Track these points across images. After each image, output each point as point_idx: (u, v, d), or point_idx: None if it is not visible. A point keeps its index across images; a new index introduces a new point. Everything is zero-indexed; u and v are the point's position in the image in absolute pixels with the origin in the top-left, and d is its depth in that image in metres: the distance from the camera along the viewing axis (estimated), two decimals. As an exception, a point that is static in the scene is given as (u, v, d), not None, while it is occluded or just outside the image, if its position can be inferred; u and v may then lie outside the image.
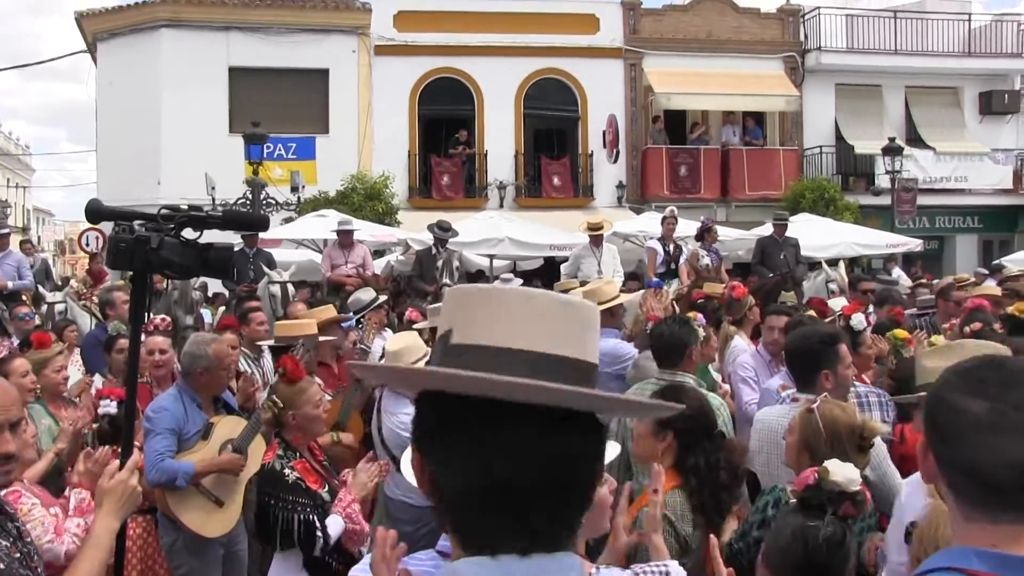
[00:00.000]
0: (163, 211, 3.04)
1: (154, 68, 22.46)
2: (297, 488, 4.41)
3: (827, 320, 7.49)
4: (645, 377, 5.49)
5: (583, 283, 10.53)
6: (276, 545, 4.40)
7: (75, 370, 8.11)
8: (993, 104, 26.50)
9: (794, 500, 2.89)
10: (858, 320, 5.94)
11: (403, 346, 5.50)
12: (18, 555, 2.65)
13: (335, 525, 4.40)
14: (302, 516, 4.34)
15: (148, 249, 2.91)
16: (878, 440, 3.89)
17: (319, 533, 4.33)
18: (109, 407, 5.10)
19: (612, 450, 2.18)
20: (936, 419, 1.58)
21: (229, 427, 5.53)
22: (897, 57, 25.60)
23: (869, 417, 4.11)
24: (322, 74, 23.29)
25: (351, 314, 8.26)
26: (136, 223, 2.99)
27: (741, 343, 7.42)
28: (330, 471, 4.85)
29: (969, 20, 26.80)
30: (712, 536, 2.67)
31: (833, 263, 14.72)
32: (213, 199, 18.28)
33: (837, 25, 25.67)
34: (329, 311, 7.60)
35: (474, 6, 24.14)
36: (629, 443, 5.17)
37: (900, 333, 5.81)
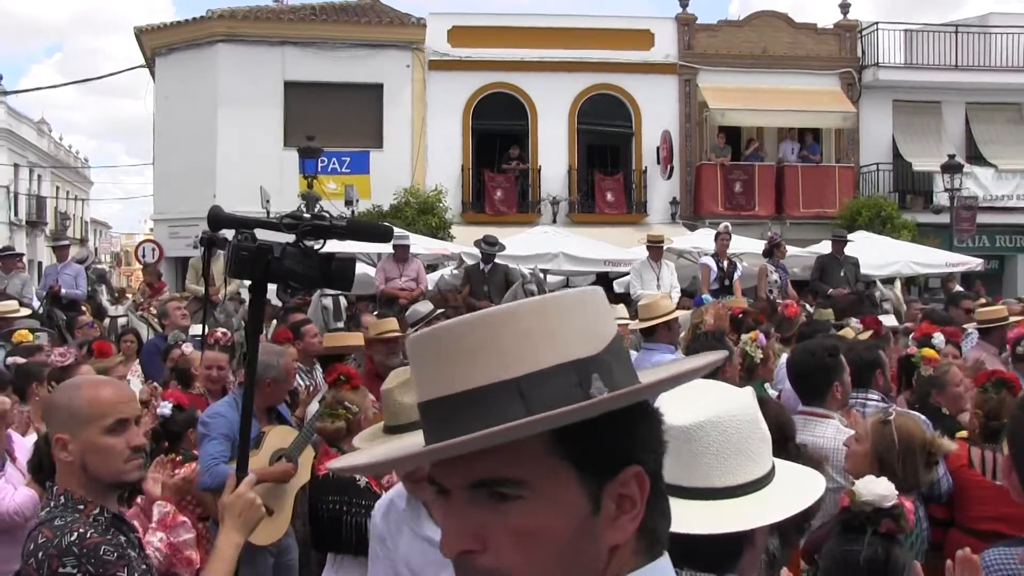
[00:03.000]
0: (286, 220, 2.98)
1: (211, 83, 22.76)
2: (369, 493, 4.38)
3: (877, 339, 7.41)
4: None
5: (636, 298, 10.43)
6: (353, 551, 4.34)
7: (135, 379, 8.20)
8: (1057, 120, 25.90)
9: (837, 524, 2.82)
10: (939, 341, 5.87)
11: None
12: (144, 567, 2.77)
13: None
14: None
15: (270, 258, 2.85)
16: None
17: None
18: (164, 408, 5.13)
19: (817, 485, 1.96)
20: (1013, 439, 1.53)
21: (280, 437, 5.54)
22: (957, 72, 25.14)
23: None
24: (376, 89, 23.43)
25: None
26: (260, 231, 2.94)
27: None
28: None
29: (1034, 34, 26.17)
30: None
31: (888, 282, 14.48)
32: (268, 213, 18.40)
33: (895, 40, 25.30)
34: (390, 324, 7.52)
35: (528, 21, 24.29)
36: None
37: (927, 352, 5.72)
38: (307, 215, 3.15)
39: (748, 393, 1.98)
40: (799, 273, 16.15)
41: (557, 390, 1.12)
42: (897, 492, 2.61)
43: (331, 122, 22.13)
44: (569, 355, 1.14)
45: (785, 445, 3.66)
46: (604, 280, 18.35)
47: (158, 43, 23.98)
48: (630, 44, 24.17)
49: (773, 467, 1.90)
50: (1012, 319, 8.76)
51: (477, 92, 23.87)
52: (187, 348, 7.37)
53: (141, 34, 24.33)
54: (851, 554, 2.62)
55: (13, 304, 10.95)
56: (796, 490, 1.90)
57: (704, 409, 1.84)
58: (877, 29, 25.26)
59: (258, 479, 5.23)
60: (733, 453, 1.83)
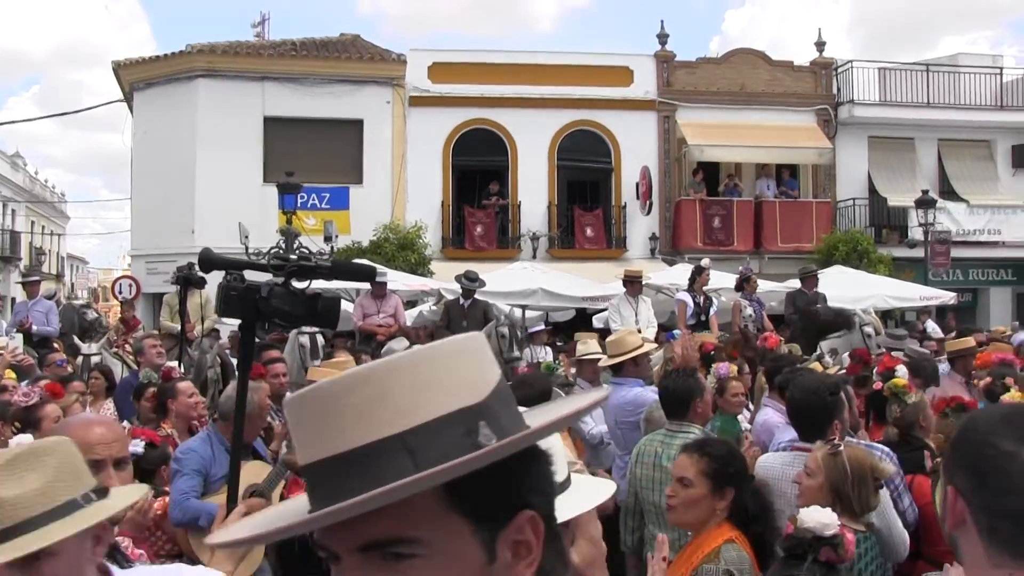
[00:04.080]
0: (273, 261, 3.06)
1: (189, 117, 22.73)
2: None
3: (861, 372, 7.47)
4: (657, 427, 5.56)
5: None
6: None
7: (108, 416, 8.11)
8: (1026, 157, 26.37)
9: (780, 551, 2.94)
10: (902, 372, 5.92)
11: None
12: None
13: None
14: None
15: (258, 298, 2.91)
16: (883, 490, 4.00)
17: None
18: (136, 447, 5.14)
19: (607, 488, 2.09)
20: (979, 465, 1.54)
21: (254, 472, 5.52)
22: (930, 110, 25.56)
23: None
24: (356, 124, 23.48)
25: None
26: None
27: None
28: None
29: (1001, 74, 26.85)
30: None
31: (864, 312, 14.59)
32: (247, 248, 18.29)
33: (870, 78, 25.70)
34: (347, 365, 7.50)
35: (508, 58, 24.41)
36: (644, 492, 5.27)
37: (899, 381, 5.81)
38: (293, 256, 3.23)
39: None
40: (776, 307, 16.23)
41: (445, 442, 1.09)
42: (840, 523, 2.69)
43: (311, 158, 22.14)
44: (454, 404, 1.11)
45: (740, 483, 3.68)
46: (583, 315, 18.41)
47: (136, 77, 23.94)
48: (609, 81, 24.36)
49: (567, 479, 1.95)
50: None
51: (457, 128, 23.96)
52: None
53: (119, 68, 24.28)
54: None
55: (2, 341, 10.86)
56: (581, 497, 1.96)
57: None
58: (852, 67, 25.64)
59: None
60: None
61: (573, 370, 9.12)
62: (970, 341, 9.18)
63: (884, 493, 4.05)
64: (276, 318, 3.05)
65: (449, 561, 1.10)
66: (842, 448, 3.84)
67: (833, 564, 2.75)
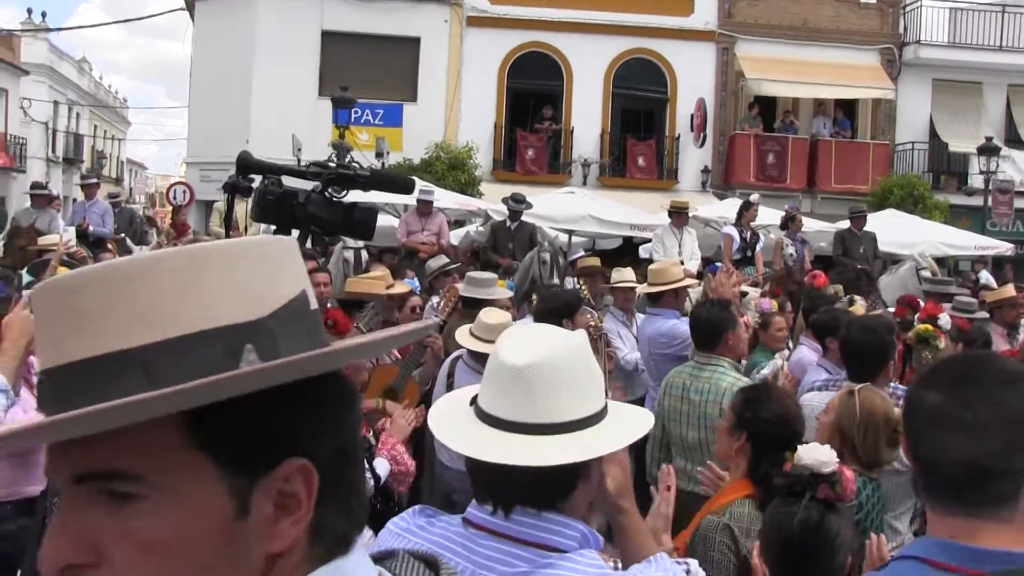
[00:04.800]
0: (312, 168, 3.03)
1: (248, 28, 22.78)
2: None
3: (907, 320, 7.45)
4: None
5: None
6: None
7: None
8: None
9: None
10: (944, 321, 5.87)
11: (498, 322, 5.40)
12: None
13: (382, 467, 4.45)
14: None
15: (295, 203, 2.89)
16: None
17: (369, 475, 4.26)
18: None
19: (646, 420, 2.05)
20: (907, 412, 1.58)
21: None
22: (1002, 54, 24.68)
23: None
24: (413, 42, 23.36)
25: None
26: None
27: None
28: (368, 419, 4.90)
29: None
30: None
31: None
32: (299, 161, 18.36)
33: (940, 18, 24.91)
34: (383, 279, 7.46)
35: (568, -19, 24.03)
36: (671, 424, 5.20)
37: (927, 327, 5.70)
38: (332, 164, 3.20)
39: (580, 335, 2.00)
40: (825, 248, 16.08)
41: (194, 364, 0.89)
42: (838, 460, 2.66)
43: (366, 74, 22.13)
44: (216, 320, 0.91)
45: (789, 444, 3.38)
46: (629, 245, 18.36)
47: (199, -14, 24.02)
48: (670, 10, 23.91)
49: (606, 407, 1.93)
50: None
51: (513, 51, 23.74)
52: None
53: (183, -24, 24.42)
54: (787, 516, 2.65)
55: (54, 238, 11.14)
56: (624, 427, 1.93)
57: (537, 350, 1.88)
58: (921, 6, 24.84)
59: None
60: (564, 391, 1.84)
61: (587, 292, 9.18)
62: (1010, 290, 9.09)
63: None
64: (312, 224, 3.03)
65: (181, 508, 0.90)
66: (857, 389, 3.77)
67: (832, 503, 2.67)
